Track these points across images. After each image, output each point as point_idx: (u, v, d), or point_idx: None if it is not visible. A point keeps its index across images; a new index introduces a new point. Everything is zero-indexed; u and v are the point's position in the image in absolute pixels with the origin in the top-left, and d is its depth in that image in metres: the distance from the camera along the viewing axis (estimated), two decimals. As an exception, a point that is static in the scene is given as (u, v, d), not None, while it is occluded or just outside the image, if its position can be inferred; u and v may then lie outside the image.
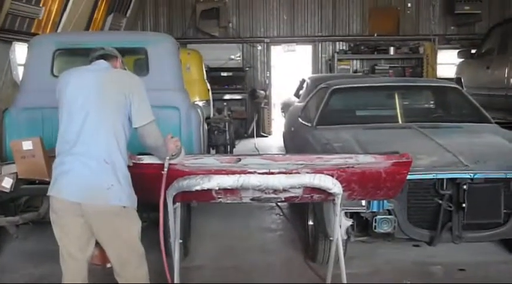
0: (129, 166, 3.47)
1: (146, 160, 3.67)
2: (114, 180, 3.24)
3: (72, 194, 3.24)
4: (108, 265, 4.95)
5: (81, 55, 6.40)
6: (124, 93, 3.31)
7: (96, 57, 3.57)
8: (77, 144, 3.25)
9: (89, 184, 3.23)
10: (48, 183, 4.72)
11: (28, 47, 5.86)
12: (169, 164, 3.57)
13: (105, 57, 3.56)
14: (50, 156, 4.94)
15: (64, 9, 9.43)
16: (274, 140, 13.32)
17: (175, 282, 3.94)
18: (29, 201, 5.26)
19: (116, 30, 12.06)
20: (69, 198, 3.25)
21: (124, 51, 6.51)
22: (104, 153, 3.23)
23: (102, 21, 11.62)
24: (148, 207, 4.82)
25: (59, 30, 9.40)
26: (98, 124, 3.27)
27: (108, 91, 3.32)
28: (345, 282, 4.03)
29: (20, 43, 8.09)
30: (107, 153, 3.23)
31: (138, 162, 3.63)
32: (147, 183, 3.63)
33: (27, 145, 4.68)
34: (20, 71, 7.29)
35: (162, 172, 3.53)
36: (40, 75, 5.66)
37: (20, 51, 8.02)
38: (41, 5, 8.68)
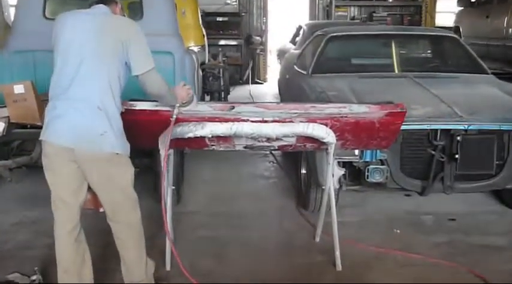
0: (121, 113, 3.45)
1: (138, 106, 3.64)
2: (107, 127, 3.21)
3: (65, 139, 3.22)
4: (101, 210, 4.98)
5: (73, -3, 6.29)
6: (121, 40, 3.24)
7: (95, 1, 3.46)
8: (71, 88, 3.20)
9: (82, 129, 3.20)
10: (40, 127, 4.72)
11: (19, -12, 5.72)
12: (164, 110, 3.56)
13: (105, 1, 3.45)
14: (42, 100, 4.90)
15: (56, -51, 9.17)
16: (269, 87, 13.25)
17: (167, 227, 3.96)
18: (22, 144, 5.25)
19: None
20: (61, 143, 3.23)
21: (117, -6, 6.47)
22: (97, 99, 3.19)
23: (95, -38, 11.34)
24: (140, 153, 4.85)
25: (51, -30, 9.16)
26: (93, 70, 3.21)
27: (105, 37, 3.25)
28: (336, 229, 4.06)
29: (11, -17, 7.91)
30: (100, 100, 3.19)
31: (130, 108, 3.60)
32: (139, 129, 3.61)
33: (19, 88, 4.61)
34: (12, 12, 7.15)
35: (171, 118, 3.52)
36: (32, 17, 5.55)
37: (11, -8, 7.86)
38: None
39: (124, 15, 3.65)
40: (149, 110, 3.64)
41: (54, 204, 3.42)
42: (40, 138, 3.34)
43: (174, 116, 3.53)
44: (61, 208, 3.40)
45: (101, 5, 3.43)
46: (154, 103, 3.66)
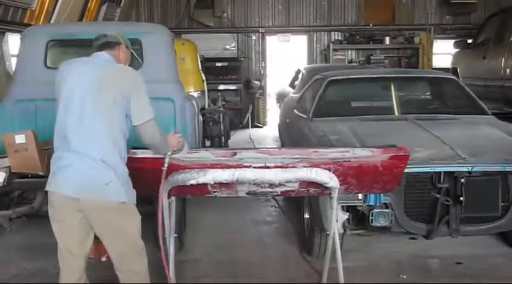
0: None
1: (140, 154, 3.62)
2: (111, 176, 3.20)
3: (71, 189, 3.21)
4: (103, 259, 4.95)
5: (74, 46, 6.35)
6: (122, 92, 3.23)
7: (98, 47, 3.46)
8: (75, 141, 3.21)
9: (87, 179, 3.19)
10: (41, 177, 4.70)
11: (21, 38, 5.79)
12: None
13: (108, 45, 3.45)
14: (43, 149, 4.90)
15: (57, 0, 9.32)
16: (269, 131, 13.28)
17: (170, 276, 3.89)
18: (23, 194, 5.22)
19: (109, 20, 11.95)
20: (67, 193, 3.21)
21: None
22: (99, 152, 3.19)
23: (96, 11, 11.51)
24: (142, 201, 4.81)
25: (52, 20, 9.29)
26: (94, 123, 3.21)
27: (106, 90, 3.24)
28: (342, 276, 4.00)
29: (13, 34, 8.01)
30: (102, 153, 3.19)
31: (132, 156, 3.58)
32: (141, 177, 3.58)
33: (20, 138, 4.62)
34: (13, 62, 7.21)
35: (162, 168, 3.49)
36: (33, 66, 5.61)
37: (13, 42, 7.93)
38: (33, -5, 8.57)
39: (131, 54, 3.64)
40: (151, 158, 3.61)
41: (60, 253, 3.39)
42: (46, 189, 3.32)
43: (166, 165, 3.51)
44: (67, 258, 3.37)
45: (103, 52, 3.43)
46: (156, 151, 3.65)
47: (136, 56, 3.75)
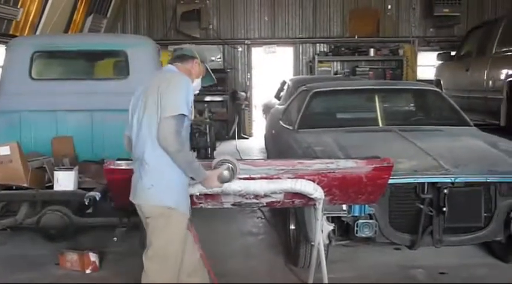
0: (109, 171, 3.44)
1: (124, 165, 3.62)
2: (154, 180, 3.31)
3: (131, 195, 3.45)
4: (87, 271, 4.94)
5: (59, 57, 6.37)
6: (159, 93, 3.30)
7: (172, 59, 3.62)
8: (134, 148, 3.43)
9: (136, 185, 3.38)
10: (25, 189, 4.70)
11: (6, 49, 5.81)
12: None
13: (181, 58, 3.60)
14: (28, 160, 4.89)
15: (43, 11, 9.32)
16: (255, 142, 13.30)
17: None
18: (7, 206, 5.19)
19: (95, 31, 11.95)
20: (132, 199, 3.46)
21: (104, 54, 6.57)
22: (142, 155, 3.32)
23: (81, 22, 11.51)
24: (127, 212, 4.81)
25: (38, 32, 9.29)
26: (140, 128, 3.36)
27: (149, 94, 3.36)
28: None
29: (-2, 45, 8.00)
30: (147, 155, 3.31)
31: (116, 167, 3.59)
32: (125, 189, 3.59)
33: (4, 150, 4.62)
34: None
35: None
36: (18, 77, 5.62)
37: (-3, 53, 7.91)
38: (19, 6, 8.57)
39: (206, 67, 3.73)
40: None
41: None
42: None
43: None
44: None
45: (170, 65, 3.58)
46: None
47: (210, 71, 3.84)
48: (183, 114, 3.27)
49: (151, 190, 3.31)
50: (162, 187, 3.31)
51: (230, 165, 3.50)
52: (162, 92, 3.28)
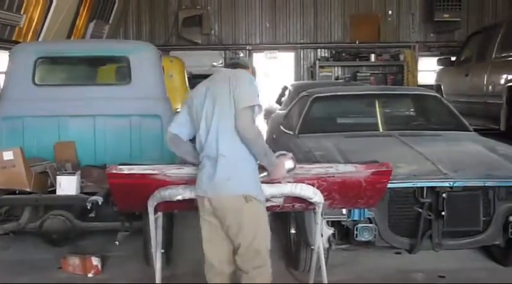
0: (111, 176, 3.49)
1: (127, 170, 3.66)
2: (232, 172, 3.40)
3: (202, 190, 3.47)
4: (90, 275, 4.97)
5: (62, 63, 6.42)
6: (229, 88, 3.44)
7: (227, 65, 3.77)
8: (205, 146, 3.48)
9: (212, 179, 3.42)
10: (28, 193, 4.73)
11: (9, 56, 5.84)
12: (152, 174, 3.59)
13: (237, 65, 3.73)
14: (30, 165, 4.94)
15: (45, 17, 9.38)
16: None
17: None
18: (10, 210, 5.22)
19: (98, 37, 12.03)
20: (201, 193, 3.50)
21: (106, 60, 6.62)
22: (216, 149, 3.42)
23: (84, 28, 11.59)
24: (129, 216, 4.85)
25: (41, 38, 9.36)
26: (211, 125, 3.45)
27: (218, 91, 3.48)
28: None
29: (1, 51, 8.05)
30: (220, 149, 3.40)
31: (118, 172, 3.63)
32: (128, 193, 3.63)
33: (7, 155, 4.66)
34: (1, 79, 7.25)
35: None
36: (21, 83, 5.66)
37: (1, 59, 7.97)
38: (21, 13, 8.64)
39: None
40: (137, 174, 3.66)
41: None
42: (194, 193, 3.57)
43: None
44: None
45: (225, 69, 3.71)
46: (143, 167, 3.70)
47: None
48: (257, 105, 3.46)
49: (230, 181, 3.39)
50: (241, 177, 3.42)
51: (292, 155, 3.66)
52: (235, 86, 3.44)
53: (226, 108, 3.42)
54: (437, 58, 11.15)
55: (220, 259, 3.65)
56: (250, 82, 3.51)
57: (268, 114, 10.55)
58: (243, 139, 3.41)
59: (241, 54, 14.78)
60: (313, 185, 3.74)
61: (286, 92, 10.22)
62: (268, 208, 4.14)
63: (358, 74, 14.38)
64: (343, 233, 4.67)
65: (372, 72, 14.62)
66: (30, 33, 9.16)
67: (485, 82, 8.48)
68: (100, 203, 4.55)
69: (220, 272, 3.67)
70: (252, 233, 3.49)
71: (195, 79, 12.83)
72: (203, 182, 3.47)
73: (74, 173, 4.91)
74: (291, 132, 6.43)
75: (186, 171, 3.77)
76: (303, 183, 3.73)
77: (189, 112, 3.62)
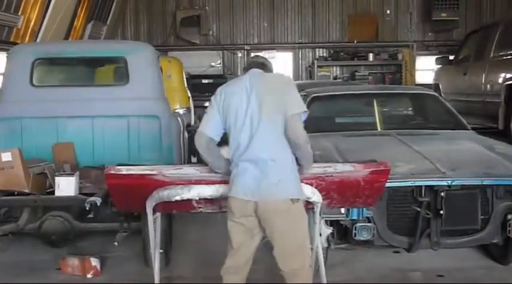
0: (109, 177, 3.49)
1: (125, 170, 3.67)
2: (281, 175, 3.42)
3: (248, 194, 3.44)
4: (89, 276, 4.98)
5: (60, 64, 6.42)
6: (280, 95, 3.50)
7: (256, 65, 3.78)
8: (248, 148, 3.48)
9: (260, 183, 3.42)
10: (27, 194, 4.73)
11: (7, 57, 5.84)
12: (150, 175, 3.59)
13: (265, 68, 3.78)
14: (29, 166, 4.93)
15: (43, 18, 9.38)
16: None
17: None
18: (8, 212, 5.23)
19: (96, 38, 12.02)
20: (243, 197, 3.46)
21: (104, 61, 6.62)
22: (270, 153, 3.44)
23: (82, 29, 11.59)
24: (128, 217, 4.85)
25: (38, 39, 9.36)
26: (258, 129, 3.46)
27: (265, 95, 3.50)
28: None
29: (-1, 52, 8.06)
30: (273, 153, 3.44)
31: (116, 172, 3.63)
32: (126, 194, 3.64)
33: (6, 156, 4.66)
34: (-1, 80, 7.25)
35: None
36: (19, 84, 5.65)
37: (-2, 60, 7.97)
38: (19, 14, 8.64)
39: None
40: (136, 174, 3.67)
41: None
42: (228, 195, 3.56)
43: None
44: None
45: (255, 69, 3.73)
46: (141, 167, 3.70)
47: None
48: (305, 111, 3.56)
49: (279, 185, 3.42)
50: (289, 180, 3.46)
51: None
52: (285, 91, 3.53)
53: (276, 113, 3.47)
54: (435, 57, 11.13)
55: (247, 259, 3.77)
56: (295, 87, 3.61)
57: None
58: (293, 145, 3.50)
59: (240, 54, 14.78)
60: (311, 184, 3.74)
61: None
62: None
63: (357, 74, 14.38)
64: (342, 233, 4.68)
65: (370, 71, 14.62)
66: (28, 34, 9.16)
67: (483, 81, 8.48)
68: (99, 204, 4.54)
69: (242, 272, 3.80)
70: (297, 234, 3.55)
71: (193, 80, 12.88)
72: (248, 186, 3.45)
73: (73, 174, 4.91)
74: (289, 132, 6.42)
75: (184, 171, 3.77)
76: (302, 182, 3.72)
77: (219, 112, 3.62)
